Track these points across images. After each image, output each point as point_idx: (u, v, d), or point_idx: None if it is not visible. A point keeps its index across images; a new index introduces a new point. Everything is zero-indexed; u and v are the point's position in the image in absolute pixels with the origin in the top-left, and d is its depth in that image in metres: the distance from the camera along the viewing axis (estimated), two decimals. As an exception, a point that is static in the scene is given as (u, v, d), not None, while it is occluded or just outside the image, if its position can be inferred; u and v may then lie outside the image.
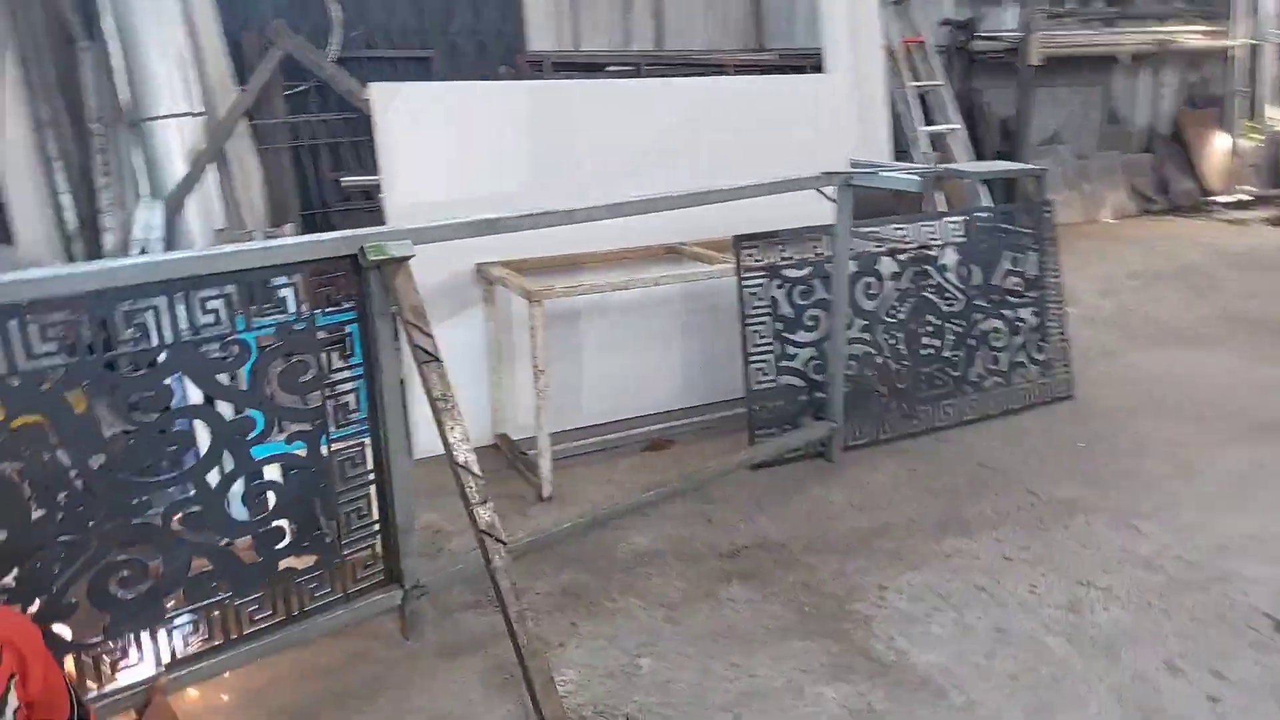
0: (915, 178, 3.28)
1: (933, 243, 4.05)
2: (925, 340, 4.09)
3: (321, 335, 2.33)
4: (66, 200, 4.98)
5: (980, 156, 8.59)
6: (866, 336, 3.94)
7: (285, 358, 2.27)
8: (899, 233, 3.96)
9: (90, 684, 2.15)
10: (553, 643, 2.67)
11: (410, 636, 2.68)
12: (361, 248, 2.27)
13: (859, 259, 3.86)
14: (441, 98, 3.79)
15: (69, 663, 2.10)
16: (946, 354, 4.15)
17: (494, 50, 6.50)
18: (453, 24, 6.34)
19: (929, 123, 8.12)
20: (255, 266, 2.16)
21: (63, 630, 2.10)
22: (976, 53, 8.86)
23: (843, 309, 3.68)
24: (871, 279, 3.91)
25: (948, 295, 4.12)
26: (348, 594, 2.55)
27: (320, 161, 5.91)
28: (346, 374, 2.39)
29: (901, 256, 3.99)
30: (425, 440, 3.85)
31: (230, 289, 2.15)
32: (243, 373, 2.24)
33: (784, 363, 3.79)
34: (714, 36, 7.54)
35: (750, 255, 3.67)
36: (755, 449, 3.72)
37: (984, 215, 4.29)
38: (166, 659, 2.25)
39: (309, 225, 5.81)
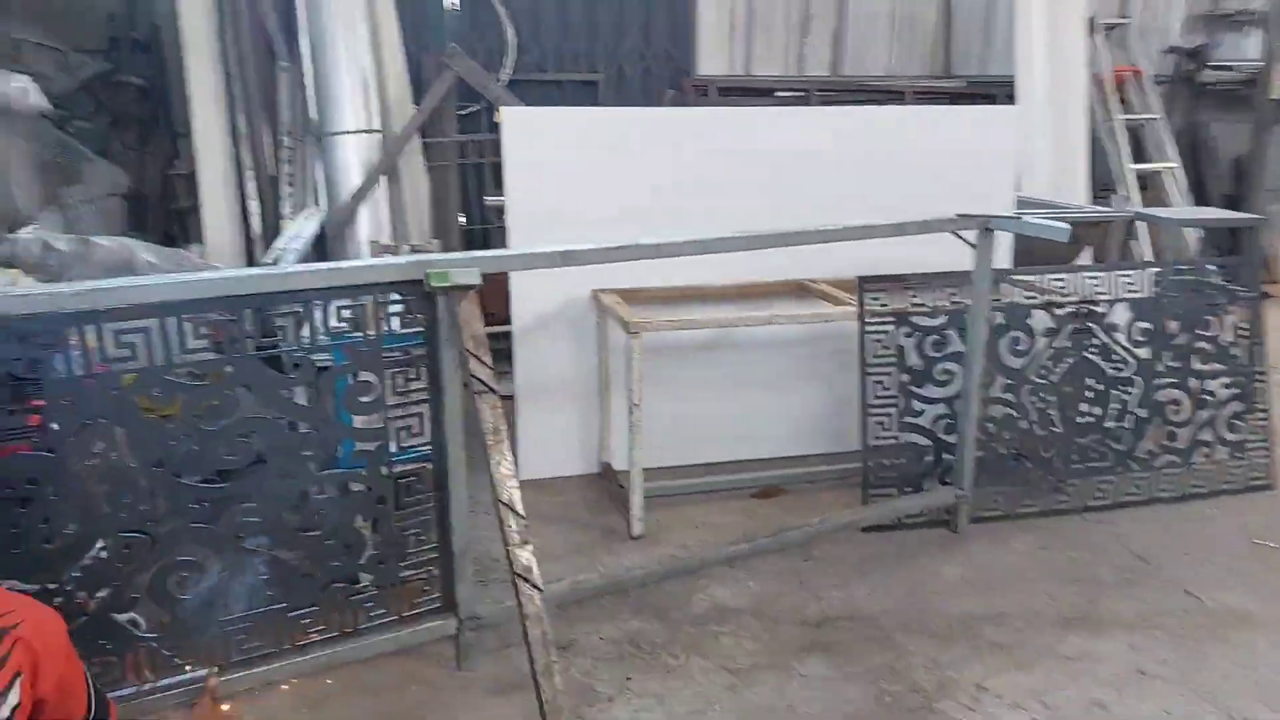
0: (1062, 226, 2.90)
1: (1100, 297, 3.59)
2: (1083, 407, 3.63)
3: (390, 356, 2.34)
4: (254, 207, 5.42)
5: (1203, 200, 7.66)
6: (1009, 397, 3.54)
7: (353, 377, 2.30)
8: (1056, 283, 3.54)
9: (148, 674, 2.25)
10: (601, 695, 2.54)
11: (464, 666, 2.64)
12: (426, 273, 2.25)
13: (1006, 310, 3.48)
14: (567, 123, 3.78)
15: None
16: (1109, 424, 3.66)
17: (661, 74, 6.49)
18: (622, 48, 6.39)
19: (1141, 160, 7.36)
20: (321, 287, 2.20)
21: (123, 621, 2.20)
22: (1205, 84, 7.93)
23: (979, 364, 3.33)
24: (1020, 334, 3.51)
25: (1115, 358, 3.64)
26: (402, 617, 2.54)
27: (485, 180, 6.12)
28: (412, 397, 2.38)
29: (1060, 310, 3.56)
30: (532, 464, 3.85)
31: (298, 308, 2.19)
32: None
33: (908, 418, 3.47)
34: (899, 62, 7.17)
35: (876, 299, 3.40)
36: (868, 509, 3.43)
37: (1167, 269, 3.76)
38: (221, 661, 2.32)
39: (470, 241, 6.02)
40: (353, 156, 5.56)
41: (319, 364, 2.28)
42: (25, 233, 4.31)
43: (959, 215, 3.10)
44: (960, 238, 3.18)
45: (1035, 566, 3.23)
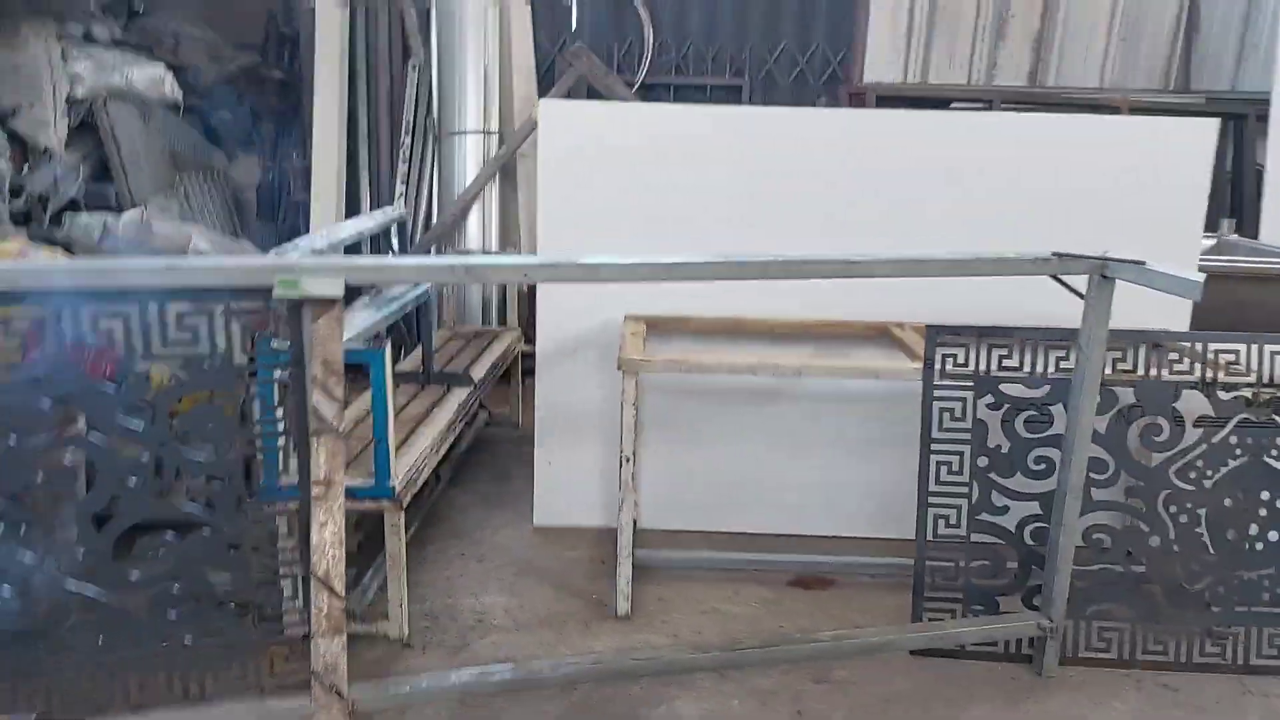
0: (1192, 280, 2.02)
1: (1291, 380, 2.58)
2: (1251, 528, 2.63)
3: (243, 377, 1.97)
4: (366, 205, 5.36)
5: None
6: (1137, 504, 2.62)
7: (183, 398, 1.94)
8: (1226, 356, 2.58)
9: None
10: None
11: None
12: (277, 279, 1.85)
13: (1140, 387, 2.58)
14: (619, 118, 3.26)
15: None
16: (1292, 557, 2.63)
17: (816, 79, 5.81)
18: (774, 51, 5.77)
19: None
20: (155, 287, 1.85)
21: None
22: None
23: (1082, 454, 2.46)
24: (1160, 420, 2.59)
25: (1311, 466, 2.61)
26: (263, 688, 2.15)
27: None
28: (269, 427, 1.99)
29: (1227, 395, 2.59)
30: (548, 509, 3.39)
31: (129, 309, 1.86)
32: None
33: (983, 515, 2.65)
34: (1119, 73, 6.01)
35: (952, 356, 2.62)
36: (920, 627, 2.65)
37: None
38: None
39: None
40: (470, 157, 5.40)
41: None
42: (128, 215, 4.44)
43: (1056, 255, 2.27)
44: (1064, 284, 2.35)
45: (1136, 747, 2.33)
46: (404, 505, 2.57)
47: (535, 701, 2.42)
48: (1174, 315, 3.08)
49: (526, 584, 3.06)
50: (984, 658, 2.67)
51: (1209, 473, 2.61)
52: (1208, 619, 2.65)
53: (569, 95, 5.36)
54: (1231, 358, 2.59)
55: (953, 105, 5.75)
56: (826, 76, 5.79)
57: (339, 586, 1.78)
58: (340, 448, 1.82)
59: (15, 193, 3.97)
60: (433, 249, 5.14)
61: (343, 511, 1.81)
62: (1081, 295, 2.36)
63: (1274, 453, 2.60)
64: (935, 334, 2.62)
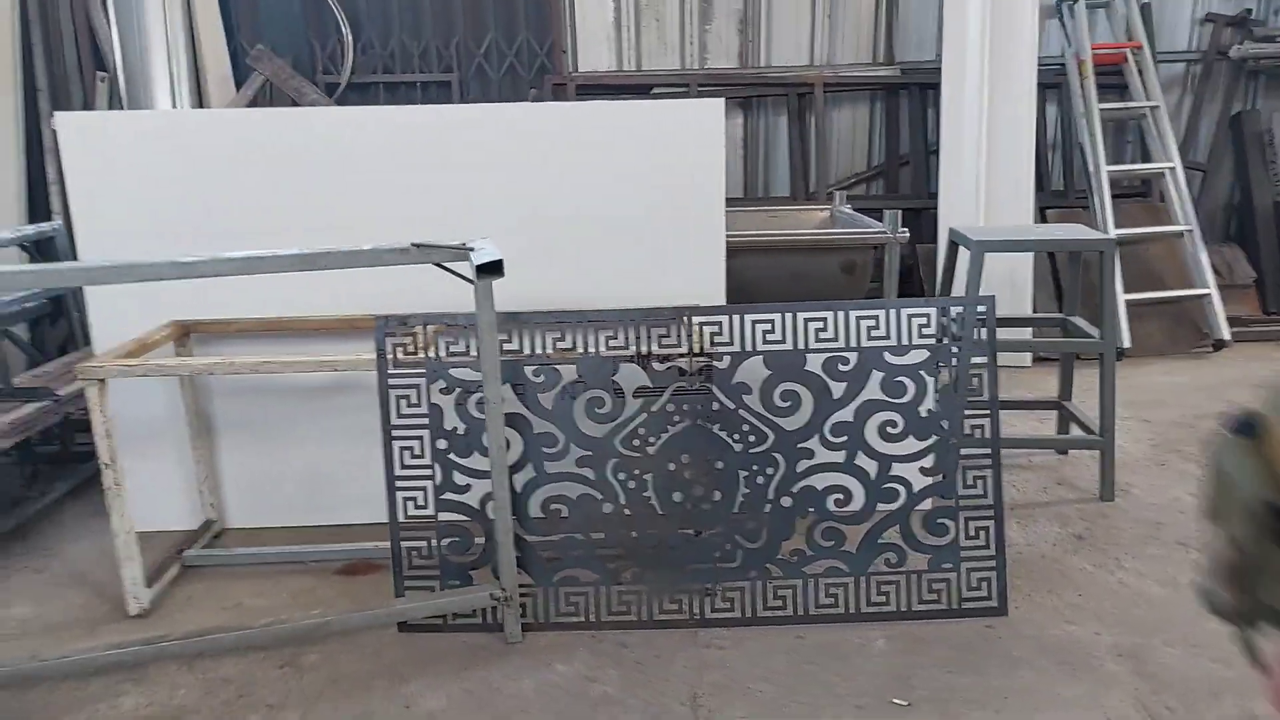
0: (491, 258, 2.13)
1: (721, 349, 2.73)
2: (696, 490, 2.78)
3: None
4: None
5: (1249, 211, 6.13)
6: (589, 474, 2.76)
7: None
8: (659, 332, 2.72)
9: None
10: None
11: None
12: None
13: (583, 363, 2.71)
14: (135, 128, 3.29)
15: None
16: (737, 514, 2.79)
17: (528, 72, 5.90)
18: (482, 46, 5.84)
19: (1144, 159, 6.01)
20: None
21: None
22: (1257, 60, 6.31)
23: (497, 428, 2.58)
24: (602, 394, 2.72)
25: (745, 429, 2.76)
26: None
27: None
28: None
29: (661, 366, 2.74)
30: (141, 514, 3.40)
31: None
32: None
33: (448, 495, 2.77)
34: (829, 51, 6.18)
35: (402, 345, 2.72)
36: (400, 604, 2.76)
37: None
38: None
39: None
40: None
41: None
42: None
43: (415, 245, 2.38)
44: (452, 271, 2.46)
45: (544, 702, 2.45)
46: None
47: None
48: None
49: (65, 593, 3.11)
50: (466, 629, 2.79)
51: (651, 439, 2.75)
52: (664, 579, 2.80)
53: (255, 101, 5.39)
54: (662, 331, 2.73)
55: (654, 91, 5.88)
56: (536, 68, 5.88)
57: None
58: None
59: None
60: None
61: None
62: (471, 280, 2.47)
63: (709, 417, 2.75)
64: (384, 323, 2.72)
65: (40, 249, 4.58)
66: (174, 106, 5.30)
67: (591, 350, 2.72)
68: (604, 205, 3.30)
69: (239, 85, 5.54)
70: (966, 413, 2.79)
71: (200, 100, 5.48)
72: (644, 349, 2.73)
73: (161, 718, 2.45)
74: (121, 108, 5.29)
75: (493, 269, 2.25)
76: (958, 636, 2.70)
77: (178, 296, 3.25)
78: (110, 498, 2.82)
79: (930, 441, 2.79)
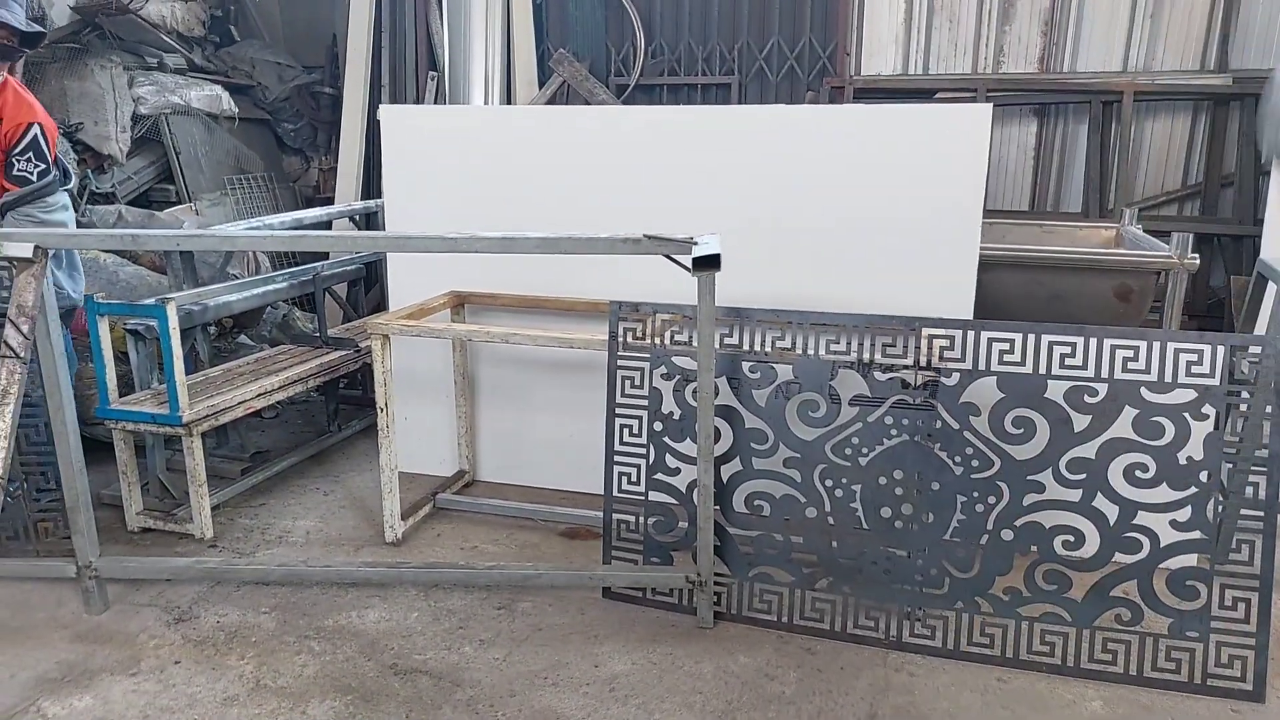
0: (705, 255, 2.20)
1: (951, 364, 2.61)
2: (905, 508, 2.67)
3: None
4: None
5: None
6: (795, 476, 2.75)
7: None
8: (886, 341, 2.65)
9: None
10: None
11: (90, 610, 2.89)
12: (-2, 246, 2.54)
13: (800, 365, 2.71)
14: (443, 121, 3.72)
15: None
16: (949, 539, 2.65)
17: (807, 75, 5.90)
18: (765, 49, 5.92)
19: None
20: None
21: None
22: None
23: (707, 420, 2.64)
24: (816, 397, 2.71)
25: (971, 451, 2.61)
26: (38, 552, 2.89)
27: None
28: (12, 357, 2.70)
29: (883, 376, 2.67)
30: (404, 457, 3.87)
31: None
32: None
33: (659, 475, 2.89)
34: (1146, 56, 5.58)
35: (631, 329, 2.88)
36: (596, 571, 2.95)
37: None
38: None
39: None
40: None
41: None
42: (178, 210, 5.48)
43: (647, 236, 2.50)
44: (676, 262, 2.56)
45: (719, 688, 2.50)
46: (197, 432, 3.22)
47: (255, 596, 2.97)
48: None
49: (343, 514, 3.63)
50: (662, 606, 2.90)
51: (864, 450, 2.69)
52: (863, 593, 2.72)
53: (553, 100, 5.85)
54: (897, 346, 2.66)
55: (937, 95, 5.61)
56: (817, 70, 5.85)
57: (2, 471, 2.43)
58: (19, 369, 2.48)
59: (82, 191, 5.08)
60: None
61: (16, 417, 2.47)
62: (692, 271, 2.56)
63: (929, 435, 2.64)
64: (617, 308, 2.89)
65: (367, 222, 5.35)
66: (486, 103, 5.91)
67: (810, 352, 2.71)
68: (854, 209, 3.26)
69: (541, 85, 6.06)
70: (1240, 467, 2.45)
71: (509, 99, 6.05)
72: (866, 357, 2.67)
73: (396, 633, 2.79)
74: (445, 103, 5.98)
75: (709, 262, 2.33)
76: (1193, 714, 2.38)
77: (460, 270, 3.67)
78: (381, 438, 3.25)
79: (1188, 492, 2.48)
